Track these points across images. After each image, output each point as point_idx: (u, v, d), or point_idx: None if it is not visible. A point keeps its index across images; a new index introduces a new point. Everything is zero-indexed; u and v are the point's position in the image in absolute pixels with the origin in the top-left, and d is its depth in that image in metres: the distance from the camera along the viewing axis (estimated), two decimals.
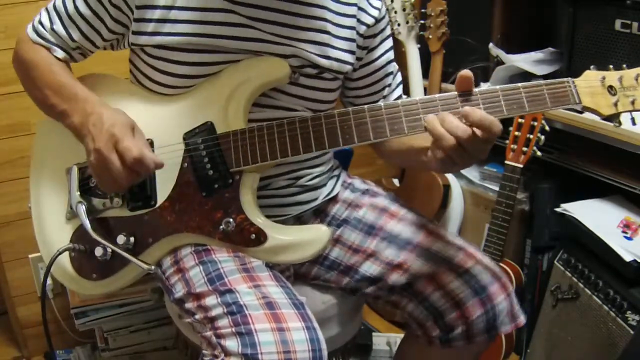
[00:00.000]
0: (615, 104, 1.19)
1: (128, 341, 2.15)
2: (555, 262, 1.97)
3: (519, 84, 1.19)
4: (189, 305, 1.24)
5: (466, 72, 1.17)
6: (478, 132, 1.12)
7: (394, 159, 1.55)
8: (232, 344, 1.10)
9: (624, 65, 1.22)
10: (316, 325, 1.15)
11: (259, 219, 1.28)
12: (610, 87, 1.20)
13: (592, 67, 1.22)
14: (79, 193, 1.35)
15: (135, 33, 1.30)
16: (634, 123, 1.24)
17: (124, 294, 2.03)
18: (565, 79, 1.20)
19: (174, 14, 1.27)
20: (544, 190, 2.11)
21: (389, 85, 1.53)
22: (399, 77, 1.55)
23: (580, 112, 1.90)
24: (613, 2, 1.79)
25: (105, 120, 1.22)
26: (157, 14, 1.27)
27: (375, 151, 1.57)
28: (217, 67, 1.30)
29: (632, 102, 1.19)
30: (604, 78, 1.20)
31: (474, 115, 1.12)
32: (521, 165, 1.98)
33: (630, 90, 1.19)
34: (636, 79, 1.20)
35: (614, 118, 1.21)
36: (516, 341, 2.12)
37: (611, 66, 1.22)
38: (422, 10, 2.24)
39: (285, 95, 1.36)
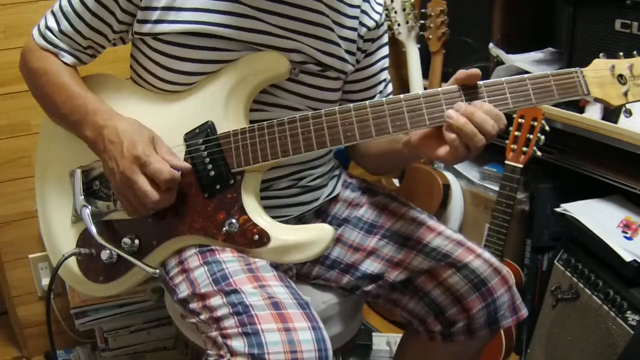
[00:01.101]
0: (626, 94, 1.16)
1: (128, 341, 2.15)
2: (555, 262, 1.98)
3: (525, 75, 1.17)
4: (194, 305, 1.23)
5: (476, 71, 1.17)
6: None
7: (372, 163, 1.55)
8: (238, 344, 1.10)
9: (635, 52, 1.20)
10: (322, 325, 1.15)
11: (261, 220, 1.27)
12: (620, 76, 1.17)
13: (601, 55, 1.19)
14: (83, 197, 1.34)
15: (140, 21, 1.29)
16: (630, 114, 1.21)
17: (124, 294, 2.03)
18: (573, 69, 1.17)
19: (179, 2, 1.27)
20: (544, 190, 2.11)
21: (381, 92, 1.53)
22: (390, 87, 1.55)
23: (581, 112, 1.90)
24: (613, 2, 1.79)
25: (123, 137, 1.22)
26: (162, 2, 1.27)
27: (353, 157, 1.58)
28: (217, 65, 1.30)
29: None
30: (613, 67, 1.17)
31: (492, 111, 1.14)
32: (521, 165, 1.98)
33: None
34: None
35: (622, 108, 1.18)
36: (516, 341, 2.13)
37: (621, 54, 1.19)
38: (422, 10, 2.25)
39: (288, 94, 1.36)
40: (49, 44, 1.34)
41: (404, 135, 1.31)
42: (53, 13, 1.35)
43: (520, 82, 1.17)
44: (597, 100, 1.17)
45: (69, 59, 1.35)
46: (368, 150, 1.51)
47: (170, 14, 1.27)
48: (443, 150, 1.19)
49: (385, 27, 1.49)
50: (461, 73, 1.18)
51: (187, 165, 1.27)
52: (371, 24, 1.42)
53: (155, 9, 1.27)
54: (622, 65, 1.18)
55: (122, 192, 1.24)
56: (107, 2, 1.29)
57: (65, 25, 1.33)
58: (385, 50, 1.51)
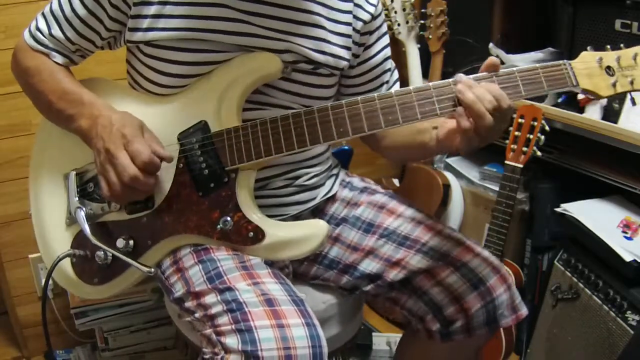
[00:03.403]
0: (614, 85, 1.18)
1: (128, 341, 2.15)
2: (555, 262, 1.97)
3: (514, 68, 1.19)
4: (189, 304, 1.24)
5: (494, 60, 1.20)
6: None
7: (396, 154, 1.55)
8: (232, 341, 1.10)
9: (622, 45, 1.21)
10: (316, 322, 1.15)
11: (256, 217, 1.28)
12: (608, 67, 1.19)
13: (588, 47, 1.21)
14: (77, 199, 1.35)
15: (130, 30, 1.30)
16: (633, 103, 1.23)
17: (124, 293, 2.03)
18: (561, 61, 1.20)
19: (168, 10, 1.27)
20: (544, 190, 2.11)
21: (387, 82, 1.53)
22: (396, 74, 1.56)
23: (581, 112, 1.90)
24: (613, 2, 1.79)
25: (115, 122, 1.23)
26: (152, 9, 1.27)
27: (375, 149, 1.56)
28: (210, 66, 1.30)
29: (631, 82, 1.19)
30: (601, 59, 1.19)
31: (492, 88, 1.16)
32: (521, 165, 1.98)
33: (629, 70, 1.19)
34: (634, 59, 1.19)
35: (629, 95, 1.20)
36: (516, 341, 2.12)
37: (608, 46, 1.21)
38: (422, 10, 2.25)
39: (280, 92, 1.36)
40: (40, 45, 1.34)
41: (430, 127, 1.32)
42: (44, 15, 1.35)
43: (510, 75, 1.19)
44: (585, 91, 1.20)
45: (60, 59, 1.36)
46: (393, 142, 1.49)
47: (160, 22, 1.27)
48: (457, 139, 1.21)
49: (382, 16, 1.48)
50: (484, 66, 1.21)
51: (170, 154, 1.26)
52: (366, 17, 1.42)
53: (146, 16, 1.27)
54: (609, 57, 1.20)
55: (103, 171, 1.24)
56: (96, 10, 1.30)
57: (55, 30, 1.33)
58: (385, 40, 1.50)
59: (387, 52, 1.51)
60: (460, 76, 1.19)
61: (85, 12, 1.30)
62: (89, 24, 1.32)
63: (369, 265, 1.45)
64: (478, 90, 1.15)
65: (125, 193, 1.24)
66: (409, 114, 1.20)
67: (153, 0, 1.27)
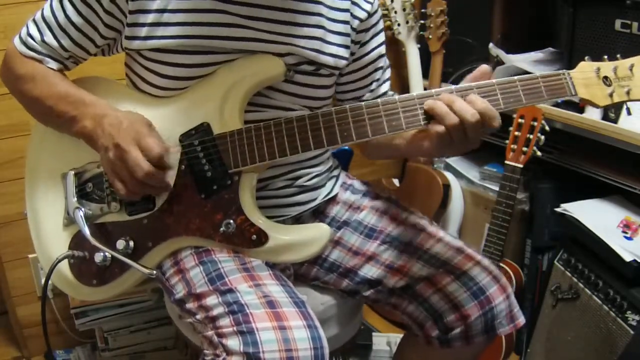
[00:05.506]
0: (611, 95, 1.21)
1: (128, 341, 2.15)
2: (555, 262, 1.98)
3: (515, 77, 1.20)
4: (190, 305, 1.24)
5: (486, 67, 1.21)
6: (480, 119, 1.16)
7: (376, 152, 1.56)
8: (233, 343, 1.10)
9: (618, 56, 1.23)
10: (317, 323, 1.15)
11: (259, 220, 1.28)
12: (605, 77, 1.21)
13: (586, 58, 1.23)
14: (75, 199, 1.34)
15: (128, 38, 1.28)
16: (629, 113, 1.25)
17: (124, 294, 2.03)
18: (560, 71, 1.21)
19: (166, 17, 1.25)
20: (544, 190, 2.11)
21: (377, 79, 1.52)
22: (388, 73, 1.54)
23: (581, 113, 1.90)
24: (613, 2, 1.80)
25: (122, 120, 1.23)
26: (150, 18, 1.25)
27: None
28: (212, 68, 1.29)
29: (627, 93, 1.21)
30: (598, 69, 1.21)
31: (478, 104, 1.16)
32: (521, 165, 1.98)
33: (625, 80, 1.21)
34: (630, 69, 1.21)
35: (613, 108, 1.22)
36: (516, 341, 2.13)
37: (606, 57, 1.23)
38: (422, 10, 2.25)
39: (280, 94, 1.35)
40: (32, 51, 1.32)
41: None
42: (35, 22, 1.32)
43: (511, 84, 1.20)
44: (584, 100, 1.22)
45: (53, 64, 1.33)
46: (376, 141, 1.49)
47: (159, 30, 1.26)
48: (427, 142, 1.24)
49: (378, 14, 1.47)
50: (476, 71, 1.22)
51: (177, 150, 1.27)
52: (363, 14, 1.41)
53: (143, 25, 1.26)
54: (607, 67, 1.22)
55: (114, 168, 1.23)
56: (91, 18, 1.28)
57: (48, 37, 1.31)
58: (380, 38, 1.49)
59: (382, 50, 1.50)
60: (442, 95, 1.20)
61: (80, 19, 1.28)
62: (84, 32, 1.30)
63: (370, 271, 1.45)
64: (459, 105, 1.16)
65: (139, 189, 1.24)
66: (412, 120, 1.21)
67: (150, 8, 1.25)
